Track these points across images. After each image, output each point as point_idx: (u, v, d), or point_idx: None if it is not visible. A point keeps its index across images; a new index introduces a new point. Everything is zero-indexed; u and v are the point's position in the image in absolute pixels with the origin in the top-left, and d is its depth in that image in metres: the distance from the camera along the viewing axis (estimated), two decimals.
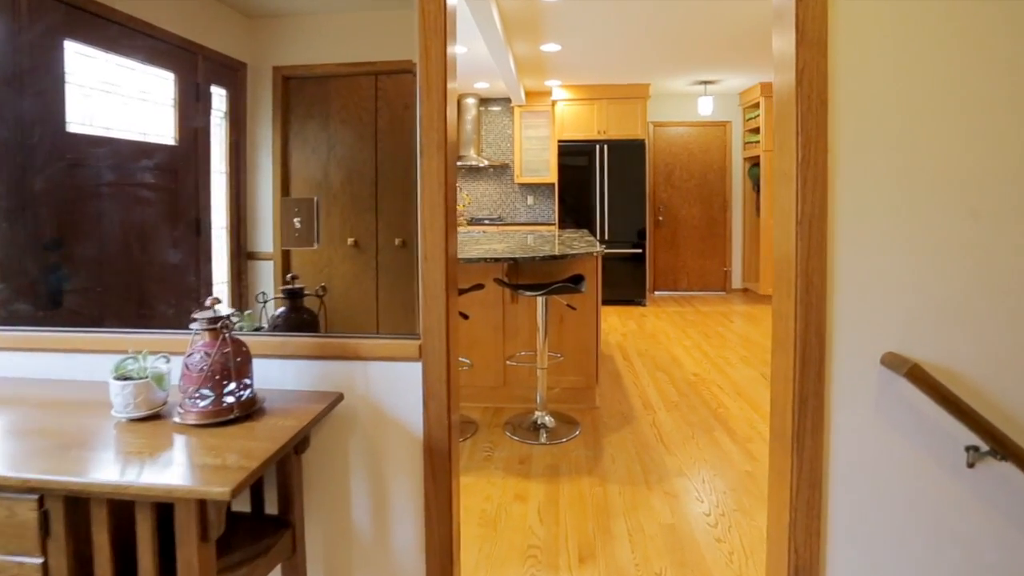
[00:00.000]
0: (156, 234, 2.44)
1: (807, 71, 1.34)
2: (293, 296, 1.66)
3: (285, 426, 1.22)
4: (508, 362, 3.33)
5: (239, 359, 1.27)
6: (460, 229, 6.94)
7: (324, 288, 1.77)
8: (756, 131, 6.94)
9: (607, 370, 4.19)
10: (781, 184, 1.44)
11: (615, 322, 5.81)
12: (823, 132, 1.34)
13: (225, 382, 1.23)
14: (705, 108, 6.63)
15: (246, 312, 1.74)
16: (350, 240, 2.57)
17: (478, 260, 2.99)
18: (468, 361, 3.37)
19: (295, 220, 1.81)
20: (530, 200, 7.56)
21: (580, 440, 2.99)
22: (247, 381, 1.29)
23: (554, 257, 3.08)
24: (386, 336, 1.47)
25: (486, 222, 7.11)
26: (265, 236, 4.25)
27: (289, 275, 1.71)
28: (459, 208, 3.99)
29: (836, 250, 1.36)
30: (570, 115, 6.76)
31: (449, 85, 1.44)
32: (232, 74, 4.01)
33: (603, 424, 3.20)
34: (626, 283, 6.61)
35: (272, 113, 4.20)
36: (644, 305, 6.65)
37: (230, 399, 1.24)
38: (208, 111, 3.82)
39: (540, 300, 3.08)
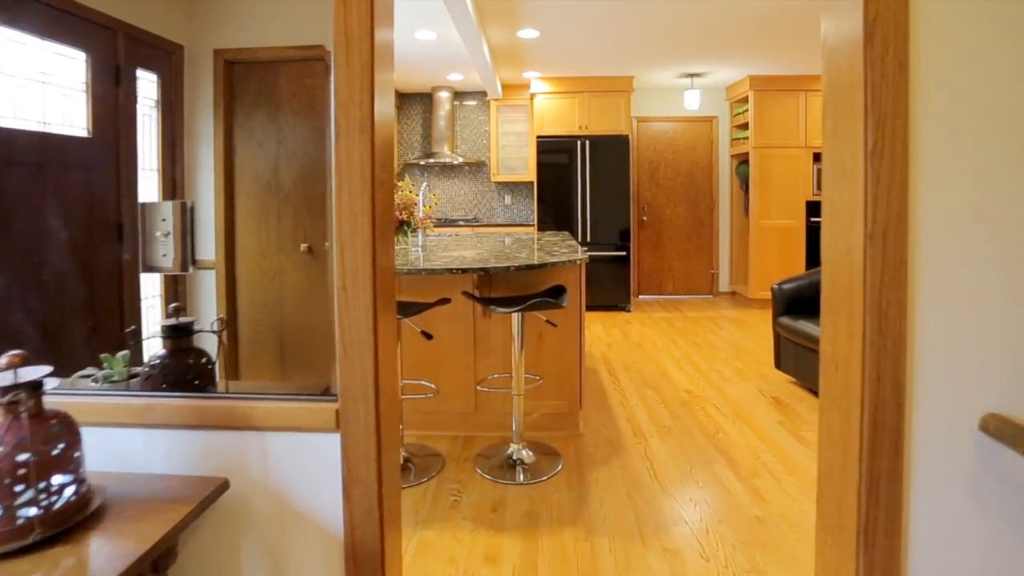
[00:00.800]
0: (60, 243, 2.00)
1: (881, 22, 0.95)
2: (177, 335, 1.23)
3: (123, 551, 0.80)
4: (479, 388, 2.92)
5: (54, 445, 0.85)
6: (431, 232, 6.54)
7: (223, 322, 1.34)
8: (744, 127, 6.62)
9: (591, 387, 3.80)
10: (838, 182, 1.04)
11: (599, 330, 5.43)
12: (902, 108, 0.96)
13: (19, 487, 0.80)
14: (692, 102, 6.29)
15: (120, 354, 1.30)
16: (303, 246, 2.17)
17: (442, 271, 2.57)
18: (432, 386, 2.95)
19: (159, 234, 1.38)
20: (508, 200, 7.16)
21: (563, 477, 2.59)
22: (69, 477, 0.86)
23: (531, 267, 2.68)
24: (291, 397, 1.05)
25: (461, 223, 6.69)
26: (207, 242, 3.75)
27: (172, 304, 1.26)
28: (426, 210, 3.56)
29: (919, 274, 0.98)
30: (550, 109, 6.36)
31: (379, 35, 1.02)
32: (164, 57, 3.52)
33: (588, 456, 2.81)
34: (610, 288, 6.24)
35: (213, 102, 3.71)
36: (629, 311, 6.28)
37: (29, 512, 0.81)
38: (133, 98, 3.33)
39: (515, 317, 2.67)
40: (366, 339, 1.01)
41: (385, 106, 1.07)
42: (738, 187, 6.91)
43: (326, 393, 1.03)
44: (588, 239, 6.26)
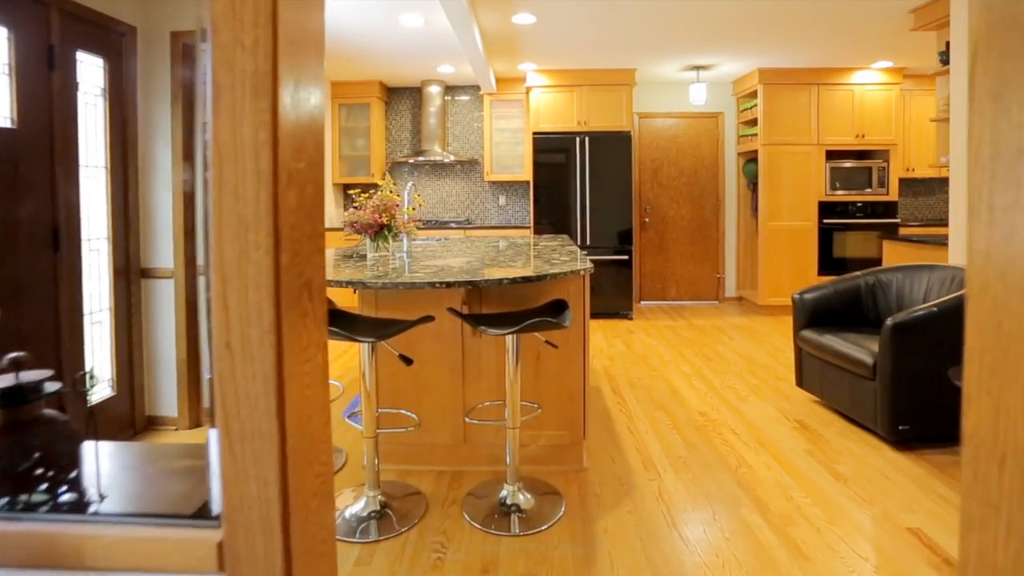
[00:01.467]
0: None
1: None
2: (13, 402, 0.84)
3: None
4: (468, 420, 2.53)
5: None
6: (415, 236, 6.15)
7: (88, 378, 0.95)
8: (752, 123, 6.27)
9: (595, 409, 3.43)
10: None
11: (600, 341, 5.06)
12: None
13: None
14: (698, 96, 5.93)
15: None
16: None
17: (423, 285, 2.19)
18: (414, 417, 2.57)
19: None
20: (502, 200, 6.78)
21: (565, 526, 2.21)
22: None
23: (528, 279, 2.30)
24: (146, 519, 0.66)
25: (452, 225, 6.31)
26: (163, 248, 3.34)
27: (8, 356, 0.86)
28: (409, 212, 3.18)
29: None
30: (547, 104, 5.99)
31: None
32: (112, 39, 3.11)
33: (594, 497, 2.43)
34: (611, 293, 5.87)
35: (171, 91, 3.30)
36: (631, 318, 5.91)
37: None
38: (72, 85, 2.93)
39: (510, 340, 2.29)
40: (266, 428, 0.63)
41: (306, 56, 0.69)
42: (745, 187, 6.55)
43: (201, 513, 0.65)
44: (588, 242, 5.89)
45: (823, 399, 3.36)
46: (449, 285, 2.21)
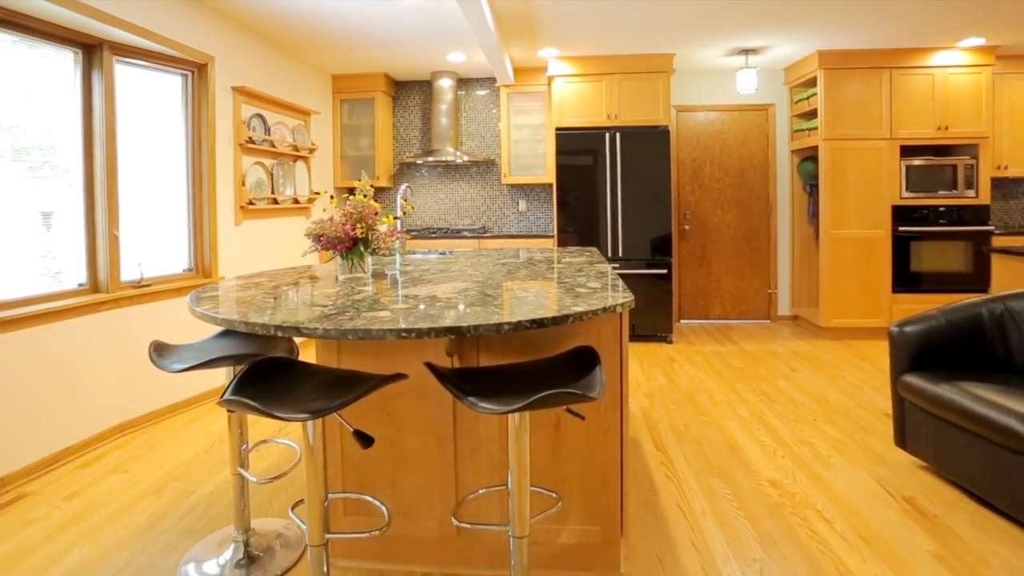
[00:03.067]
0: None
1: None
2: None
3: None
4: (458, 523, 1.79)
5: None
6: (406, 249, 5.45)
7: None
8: (809, 115, 5.43)
9: (634, 475, 2.67)
10: None
11: (636, 372, 4.29)
12: None
13: None
14: (747, 83, 5.13)
15: None
16: None
17: (379, 334, 1.48)
18: (383, 509, 1.85)
19: None
20: (522, 206, 6.06)
21: None
22: None
23: (540, 324, 1.57)
24: None
25: (466, 234, 5.61)
26: None
27: None
28: (387, 221, 2.45)
29: None
30: (572, 96, 5.25)
31: None
32: None
33: None
34: (647, 312, 5.08)
35: None
36: (671, 342, 5.12)
37: None
38: None
39: (514, 419, 1.56)
40: None
41: None
42: (801, 189, 5.70)
43: None
44: (619, 253, 5.13)
45: (938, 468, 2.53)
46: (421, 334, 1.49)
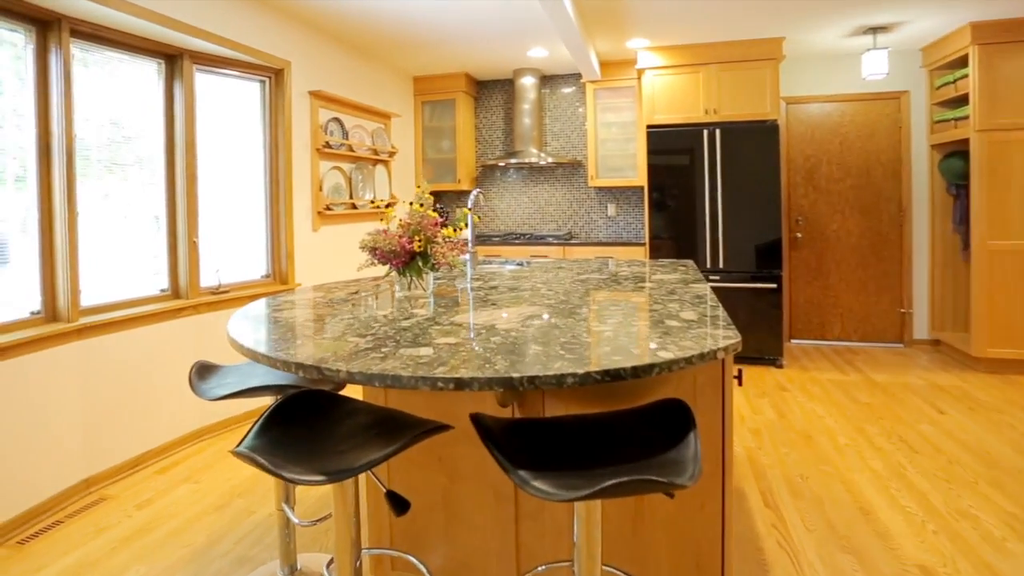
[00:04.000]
0: None
1: None
2: None
3: None
4: None
5: None
6: (481, 253, 5.13)
7: None
8: (955, 103, 4.58)
9: (736, 538, 2.19)
10: None
11: (740, 402, 3.74)
12: None
13: None
14: (875, 66, 4.39)
15: None
16: None
17: (409, 381, 1.17)
18: (423, 570, 1.54)
19: None
20: (611, 210, 5.62)
21: None
22: None
23: (616, 376, 1.19)
24: None
25: (550, 240, 5.26)
26: None
27: None
28: (449, 234, 2.14)
29: None
30: (665, 90, 4.75)
31: None
32: None
33: None
34: (753, 330, 4.48)
35: None
36: (781, 365, 4.48)
37: None
38: None
39: (580, 508, 1.19)
40: None
41: None
42: (943, 190, 4.83)
43: None
44: (720, 263, 4.56)
45: None
46: (461, 385, 1.16)
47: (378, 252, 2.18)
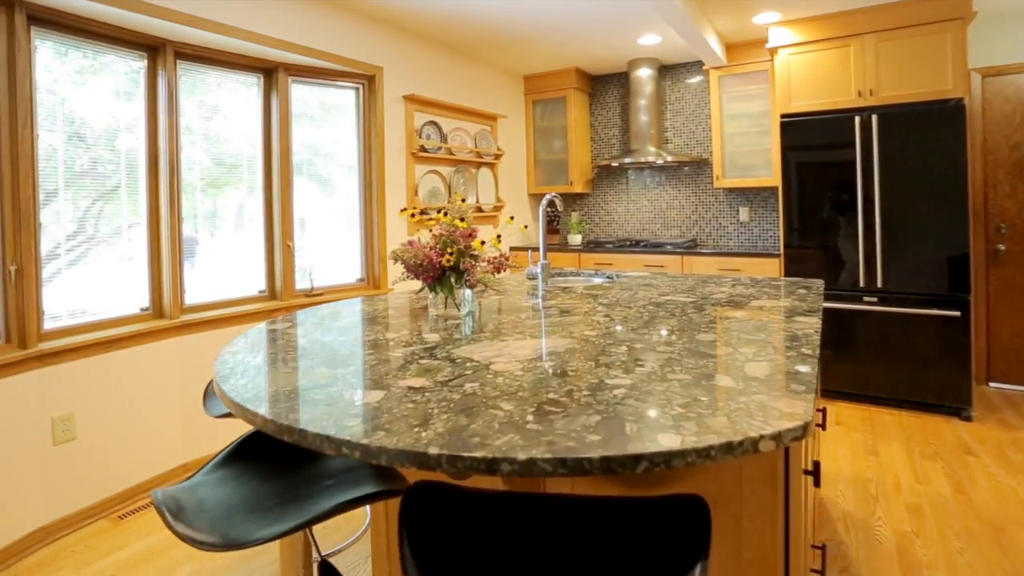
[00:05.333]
0: None
1: None
2: None
3: None
4: None
5: None
6: (591, 262, 4.61)
7: None
8: None
9: None
10: None
11: (898, 463, 2.92)
12: None
13: None
14: None
15: None
16: None
17: (315, 439, 0.91)
18: None
19: None
20: (743, 215, 4.88)
21: None
22: None
23: (606, 467, 0.81)
24: None
25: (668, 248, 4.68)
26: None
27: None
28: (493, 244, 1.82)
29: None
30: (803, 71, 3.95)
31: None
32: None
33: None
34: (922, 369, 3.54)
35: None
36: (968, 418, 3.46)
37: None
38: None
39: None
40: None
41: None
42: None
43: None
44: (877, 281, 3.67)
45: None
46: (366, 454, 0.85)
47: (409, 265, 1.94)
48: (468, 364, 1.31)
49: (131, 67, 2.84)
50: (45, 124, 2.54)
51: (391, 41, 3.93)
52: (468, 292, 2.02)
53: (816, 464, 1.05)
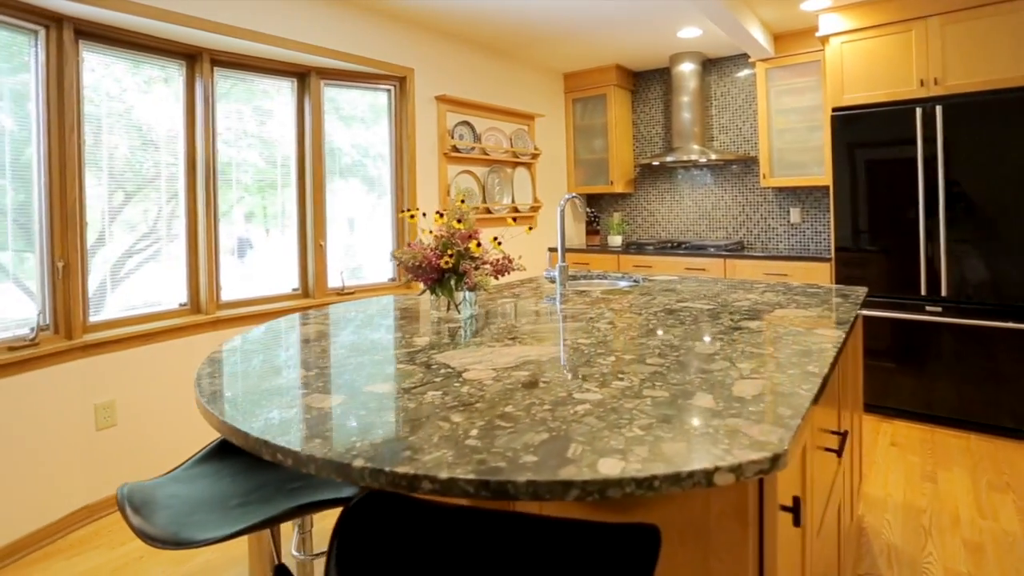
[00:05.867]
0: None
1: None
2: None
3: None
4: None
5: None
6: (630, 264, 4.40)
7: None
8: None
9: None
10: None
11: (960, 494, 2.65)
12: None
13: None
14: None
15: None
16: None
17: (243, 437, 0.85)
18: None
19: None
20: (794, 215, 4.61)
21: None
22: None
23: (496, 490, 0.73)
24: None
25: (711, 251, 4.48)
26: None
27: None
28: (494, 246, 1.77)
29: None
30: (857, 60, 3.67)
31: None
32: None
33: None
34: (1003, 386, 3.21)
35: None
36: None
37: None
38: None
39: None
40: None
41: None
42: None
43: None
44: (941, 290, 3.36)
45: None
46: (297, 462, 0.83)
47: (409, 266, 1.91)
48: (442, 371, 1.25)
49: (169, 76, 2.96)
50: (99, 128, 2.67)
51: (422, 42, 3.94)
52: (470, 295, 1.96)
53: (796, 500, 0.92)
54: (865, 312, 3.58)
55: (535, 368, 1.25)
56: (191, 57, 2.98)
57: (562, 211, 2.52)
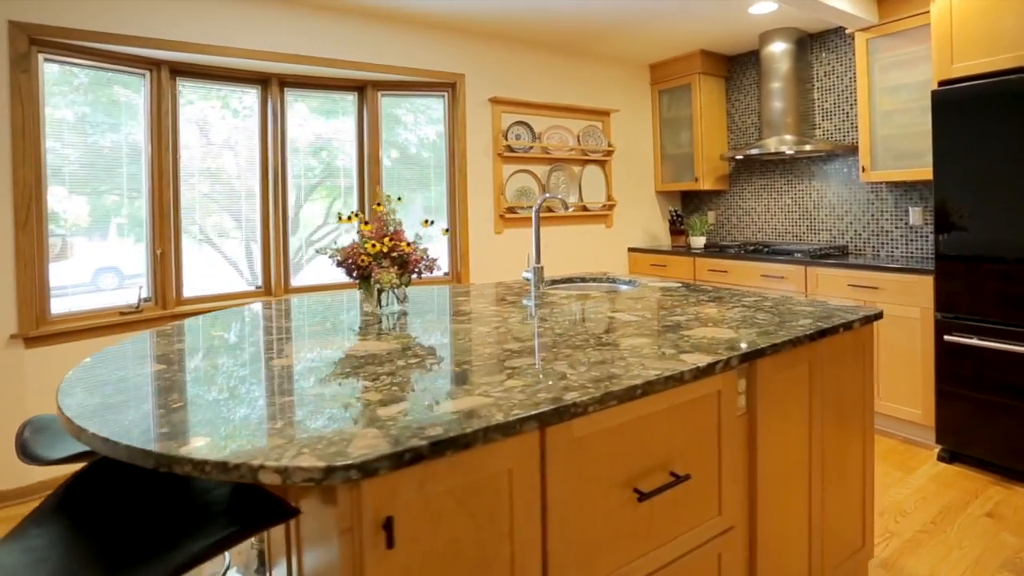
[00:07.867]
0: None
1: None
2: None
3: None
4: None
5: None
6: (706, 268, 3.89)
7: None
8: None
9: None
10: None
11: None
12: None
13: None
14: None
15: None
16: None
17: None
18: None
19: None
20: (913, 216, 3.84)
21: None
22: None
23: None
24: None
25: (797, 256, 3.90)
26: None
27: None
28: (406, 248, 1.87)
29: None
30: (972, 19, 2.90)
31: None
32: None
33: None
34: None
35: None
36: None
37: None
38: None
39: None
40: None
41: None
42: None
43: None
44: None
45: None
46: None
47: (338, 261, 2.02)
48: (279, 367, 1.32)
49: (244, 99, 3.50)
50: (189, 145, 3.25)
51: (472, 48, 4.05)
52: (398, 292, 2.02)
53: (389, 519, 0.83)
54: (968, 340, 2.88)
55: (342, 364, 1.27)
56: (263, 81, 3.48)
57: (536, 212, 2.44)
